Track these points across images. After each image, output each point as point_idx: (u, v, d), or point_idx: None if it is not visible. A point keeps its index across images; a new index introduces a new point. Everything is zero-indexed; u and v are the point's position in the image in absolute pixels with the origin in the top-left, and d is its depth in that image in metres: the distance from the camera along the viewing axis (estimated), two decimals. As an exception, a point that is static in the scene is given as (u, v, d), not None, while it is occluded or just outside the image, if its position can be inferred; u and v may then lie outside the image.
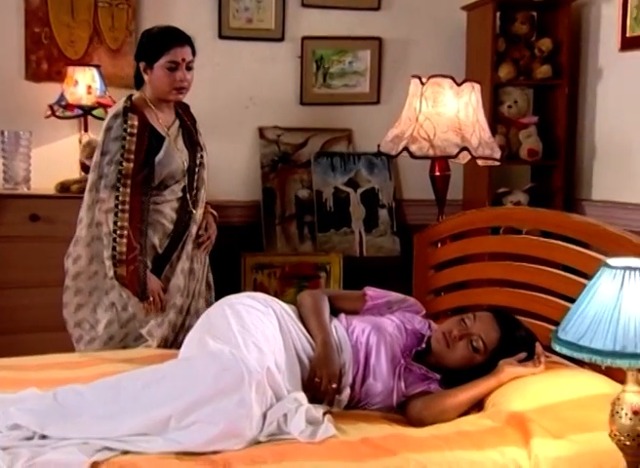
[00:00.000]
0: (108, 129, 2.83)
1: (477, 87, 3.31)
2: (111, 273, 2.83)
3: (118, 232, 2.79)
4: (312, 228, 4.33)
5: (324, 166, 4.38)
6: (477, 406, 2.18)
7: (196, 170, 3.01)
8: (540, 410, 2.04)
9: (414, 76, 3.40)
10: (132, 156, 2.78)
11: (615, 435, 1.83)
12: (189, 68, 2.89)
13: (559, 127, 4.17)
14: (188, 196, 2.98)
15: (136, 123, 2.81)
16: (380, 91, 4.44)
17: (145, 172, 2.80)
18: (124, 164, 2.77)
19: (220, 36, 4.24)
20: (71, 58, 3.92)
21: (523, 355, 2.23)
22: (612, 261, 1.85)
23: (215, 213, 3.15)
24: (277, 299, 2.36)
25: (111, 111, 2.92)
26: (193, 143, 3.02)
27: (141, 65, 2.90)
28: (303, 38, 4.32)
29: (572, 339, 1.83)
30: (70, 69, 3.79)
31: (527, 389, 2.12)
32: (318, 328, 2.26)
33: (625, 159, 3.93)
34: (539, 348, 2.24)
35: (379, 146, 3.44)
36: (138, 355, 2.63)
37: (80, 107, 3.75)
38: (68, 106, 3.74)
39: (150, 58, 2.87)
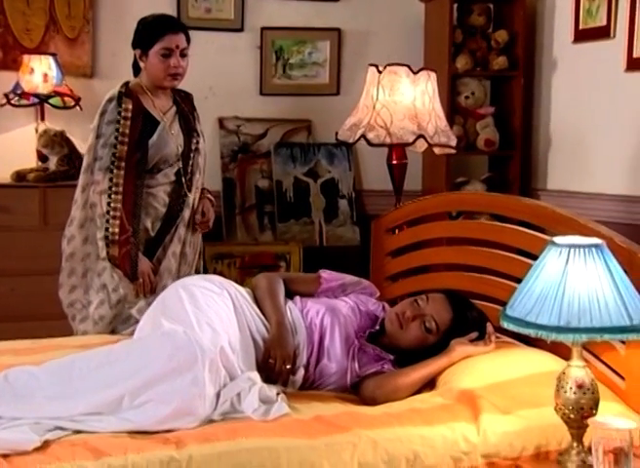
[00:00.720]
0: (103, 112, 2.88)
1: (433, 75, 3.35)
2: (104, 253, 2.87)
3: (111, 213, 2.83)
4: (272, 218, 4.35)
5: (284, 156, 4.41)
6: (429, 385, 2.22)
7: (191, 155, 3.04)
8: (490, 388, 2.08)
9: (371, 65, 3.44)
10: (126, 139, 2.82)
11: (560, 408, 1.88)
12: (183, 55, 2.93)
13: (515, 117, 4.23)
14: (183, 180, 3.01)
15: (130, 107, 2.85)
16: (340, 82, 4.48)
17: (139, 155, 2.85)
18: (118, 147, 2.81)
19: (179, 26, 4.23)
20: (27, 46, 3.90)
21: (474, 335, 2.27)
22: (558, 239, 1.90)
23: (212, 198, 3.19)
24: (233, 282, 2.37)
25: (107, 96, 2.96)
26: (189, 129, 3.06)
27: (137, 53, 2.95)
28: (263, 28, 4.34)
29: (519, 316, 1.87)
30: (26, 57, 3.77)
31: (477, 367, 2.17)
32: (272, 309, 2.28)
33: (579, 149, 4.01)
34: (489, 328, 2.28)
35: (336, 134, 3.47)
36: (94, 341, 2.63)
37: (36, 96, 3.73)
38: (24, 95, 3.72)
39: (145, 46, 2.91)
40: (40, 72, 3.75)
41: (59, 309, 3.29)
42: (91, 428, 1.86)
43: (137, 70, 3.02)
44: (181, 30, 2.93)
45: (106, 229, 2.84)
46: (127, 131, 2.83)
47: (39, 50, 3.88)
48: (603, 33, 3.83)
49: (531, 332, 1.85)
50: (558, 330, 1.81)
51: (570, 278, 1.83)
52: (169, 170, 2.99)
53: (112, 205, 2.83)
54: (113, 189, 2.83)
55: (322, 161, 4.44)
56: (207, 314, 2.11)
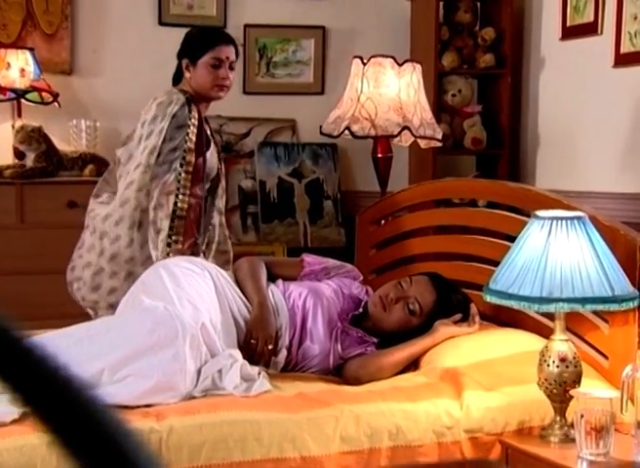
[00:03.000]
0: (174, 116, 2.85)
1: (418, 67, 3.45)
2: (162, 255, 2.70)
3: (177, 213, 2.77)
4: (256, 219, 4.42)
5: (268, 156, 4.48)
6: (413, 366, 2.29)
7: (220, 175, 3.07)
8: (474, 366, 2.15)
9: (355, 57, 3.54)
10: (193, 146, 2.84)
11: (542, 383, 1.96)
12: (232, 68, 2.94)
13: (503, 116, 4.33)
14: (212, 198, 3.03)
15: (196, 115, 2.88)
16: (325, 81, 4.56)
17: (202, 163, 2.88)
18: (188, 152, 2.82)
19: (161, 23, 4.32)
20: (3, 41, 3.96)
21: (458, 316, 2.35)
22: (540, 212, 1.98)
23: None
24: (215, 265, 2.44)
25: (170, 100, 2.89)
26: (219, 150, 3.11)
27: (184, 62, 2.94)
28: (246, 26, 4.43)
29: (501, 288, 1.96)
30: (2, 52, 3.84)
31: (461, 347, 2.25)
32: (254, 291, 2.35)
33: (568, 147, 4.10)
34: (473, 309, 2.36)
35: (320, 128, 3.56)
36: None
37: (13, 91, 3.79)
38: (0, 90, 3.78)
39: (194, 55, 2.92)
40: (17, 67, 3.82)
41: (37, 311, 3.34)
42: (70, 403, 1.91)
43: (176, 80, 3.02)
44: (232, 43, 2.98)
45: (171, 229, 2.74)
46: (194, 138, 2.85)
47: (16, 45, 3.95)
48: (590, 29, 3.94)
49: (513, 304, 1.93)
50: (540, 300, 1.89)
51: (552, 250, 1.91)
52: (205, 185, 2.96)
53: (179, 205, 2.77)
54: (181, 191, 2.80)
55: (307, 161, 4.52)
56: (188, 292, 2.18)
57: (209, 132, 3.04)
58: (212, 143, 2.99)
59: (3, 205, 3.77)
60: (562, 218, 1.93)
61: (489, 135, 4.35)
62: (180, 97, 2.89)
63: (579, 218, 1.93)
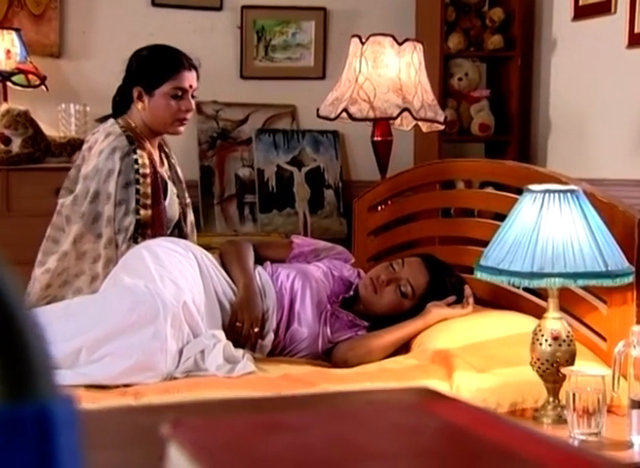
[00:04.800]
0: (119, 172, 2.55)
1: (419, 47, 3.50)
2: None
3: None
4: (253, 209, 4.48)
5: (266, 143, 4.54)
6: (404, 349, 2.34)
7: (187, 211, 2.84)
8: (466, 348, 2.20)
9: (353, 36, 3.59)
10: (148, 201, 2.58)
11: (535, 362, 2.00)
12: (193, 97, 2.71)
13: (512, 100, 4.38)
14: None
15: (146, 160, 2.60)
16: (326, 65, 4.62)
17: (160, 215, 2.61)
18: (141, 212, 2.56)
19: (154, 4, 4.40)
20: (-12, 22, 4.04)
21: (452, 299, 2.40)
22: (533, 186, 2.03)
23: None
24: (200, 247, 2.49)
25: (113, 148, 2.60)
26: (179, 180, 2.84)
27: (136, 90, 2.64)
28: (243, 7, 4.49)
29: (492, 264, 2.00)
30: (-13, 33, 3.91)
31: (453, 328, 2.30)
32: (240, 272, 2.41)
33: (581, 132, 4.15)
34: (467, 290, 2.41)
35: (318, 111, 3.61)
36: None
37: (-2, 73, 3.86)
38: (-16, 72, 3.85)
39: (151, 83, 2.63)
40: (2, 48, 3.89)
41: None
42: (46, 382, 1.97)
43: (119, 108, 2.73)
44: (194, 67, 2.71)
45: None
46: (149, 191, 2.58)
47: (2, 26, 4.02)
48: (604, 9, 3.98)
49: (504, 280, 1.98)
50: (531, 276, 1.94)
51: (544, 224, 1.96)
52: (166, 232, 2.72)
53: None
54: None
55: (307, 149, 4.58)
56: (170, 270, 2.23)
57: (166, 167, 2.76)
58: (169, 186, 2.70)
59: (-13, 191, 3.84)
60: (554, 192, 1.98)
61: (497, 120, 4.40)
62: (123, 143, 2.59)
63: (572, 192, 1.98)
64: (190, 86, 2.67)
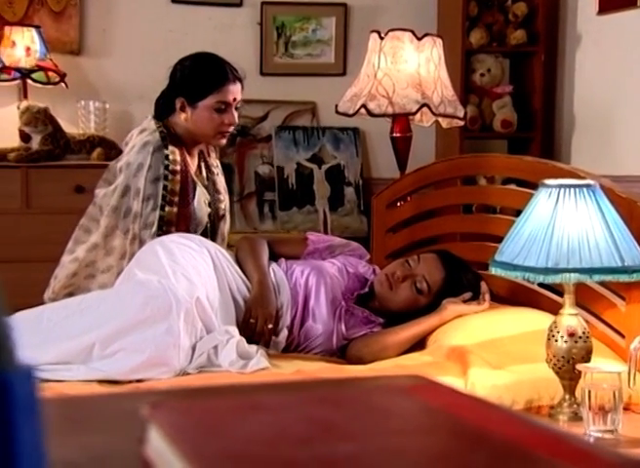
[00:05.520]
0: (149, 167, 2.56)
1: (439, 41, 3.50)
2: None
3: None
4: (273, 206, 4.50)
5: (286, 140, 4.56)
6: (419, 346, 2.35)
7: (218, 224, 2.81)
8: (482, 345, 2.20)
9: (373, 31, 3.60)
10: (175, 199, 2.58)
11: (550, 359, 2.00)
12: (237, 108, 2.67)
13: (535, 96, 4.37)
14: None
15: (178, 158, 2.60)
16: (347, 61, 4.63)
17: (188, 214, 2.62)
18: (166, 209, 2.56)
19: (174, 0, 4.43)
20: (9, 19, 4.09)
21: (468, 295, 2.40)
22: (548, 181, 2.03)
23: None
24: (214, 243, 2.51)
25: (139, 140, 2.64)
26: (216, 190, 2.83)
27: (179, 102, 2.62)
28: (263, 3, 4.51)
29: (506, 260, 2.00)
30: (7, 30, 3.96)
31: (469, 325, 2.30)
32: (254, 268, 2.43)
33: (606, 129, 4.12)
34: (484, 287, 2.41)
35: (336, 107, 3.62)
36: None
37: (18, 70, 3.91)
38: (5, 69, 3.90)
39: (194, 96, 2.61)
40: (22, 45, 3.94)
41: (41, 301, 3.43)
42: (58, 377, 2.01)
43: (161, 113, 2.71)
44: (239, 79, 2.68)
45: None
46: (177, 188, 2.58)
47: (22, 23, 4.07)
48: (629, 2, 3.96)
49: (518, 275, 1.98)
50: (546, 271, 1.94)
51: (559, 218, 1.96)
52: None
53: None
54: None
55: (327, 146, 4.59)
56: (183, 266, 2.25)
57: (203, 176, 2.76)
58: (198, 189, 2.68)
59: (8, 189, 3.89)
60: (570, 186, 1.97)
61: (520, 117, 4.39)
62: (155, 138, 2.60)
63: (588, 186, 1.98)
64: (234, 99, 2.63)
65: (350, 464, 0.47)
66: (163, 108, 2.70)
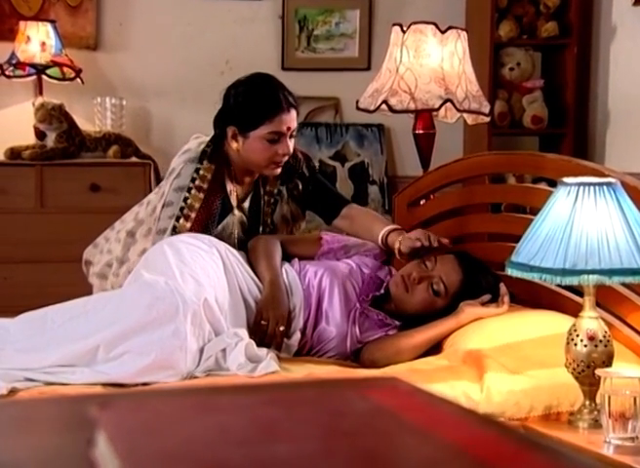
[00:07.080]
0: (178, 175, 2.60)
1: (464, 34, 3.49)
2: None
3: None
4: (294, 205, 4.51)
5: (308, 137, 4.57)
6: (435, 350, 2.34)
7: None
8: (499, 349, 2.20)
9: (395, 24, 3.60)
10: (192, 214, 2.56)
11: (570, 364, 1.99)
12: (292, 137, 2.60)
13: (567, 91, 4.34)
14: None
15: (209, 176, 2.59)
16: (371, 55, 4.63)
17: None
18: (180, 221, 2.55)
19: (193, -7, 4.46)
20: (25, 14, 4.13)
21: (487, 297, 2.39)
22: (567, 179, 2.02)
23: None
24: (225, 243, 2.53)
25: (185, 148, 2.68)
26: (263, 222, 2.73)
27: (230, 131, 2.57)
28: (285, -4, 4.52)
29: (523, 261, 2.00)
30: (22, 25, 4.00)
31: (486, 328, 2.29)
32: (266, 269, 2.43)
33: (641, 125, 4.09)
34: (503, 289, 2.40)
35: (357, 103, 3.62)
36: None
37: (33, 66, 3.95)
38: (19, 65, 3.94)
39: (246, 126, 2.55)
40: (37, 41, 3.98)
41: (56, 300, 3.48)
42: (62, 380, 2.03)
43: (216, 139, 2.67)
44: (294, 107, 2.59)
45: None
46: (197, 205, 2.57)
47: (38, 18, 4.11)
48: (667, -8, 3.93)
49: (535, 277, 1.98)
50: (564, 272, 1.93)
51: (578, 218, 1.95)
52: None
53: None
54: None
55: (350, 143, 4.59)
56: (191, 267, 2.27)
57: (245, 205, 2.68)
58: (229, 217, 2.64)
59: (22, 188, 3.93)
60: (589, 184, 1.96)
61: (551, 112, 4.37)
62: (196, 150, 2.61)
63: (608, 184, 1.96)
64: (288, 128, 2.56)
65: (282, 465, 0.48)
66: (215, 140, 2.65)
